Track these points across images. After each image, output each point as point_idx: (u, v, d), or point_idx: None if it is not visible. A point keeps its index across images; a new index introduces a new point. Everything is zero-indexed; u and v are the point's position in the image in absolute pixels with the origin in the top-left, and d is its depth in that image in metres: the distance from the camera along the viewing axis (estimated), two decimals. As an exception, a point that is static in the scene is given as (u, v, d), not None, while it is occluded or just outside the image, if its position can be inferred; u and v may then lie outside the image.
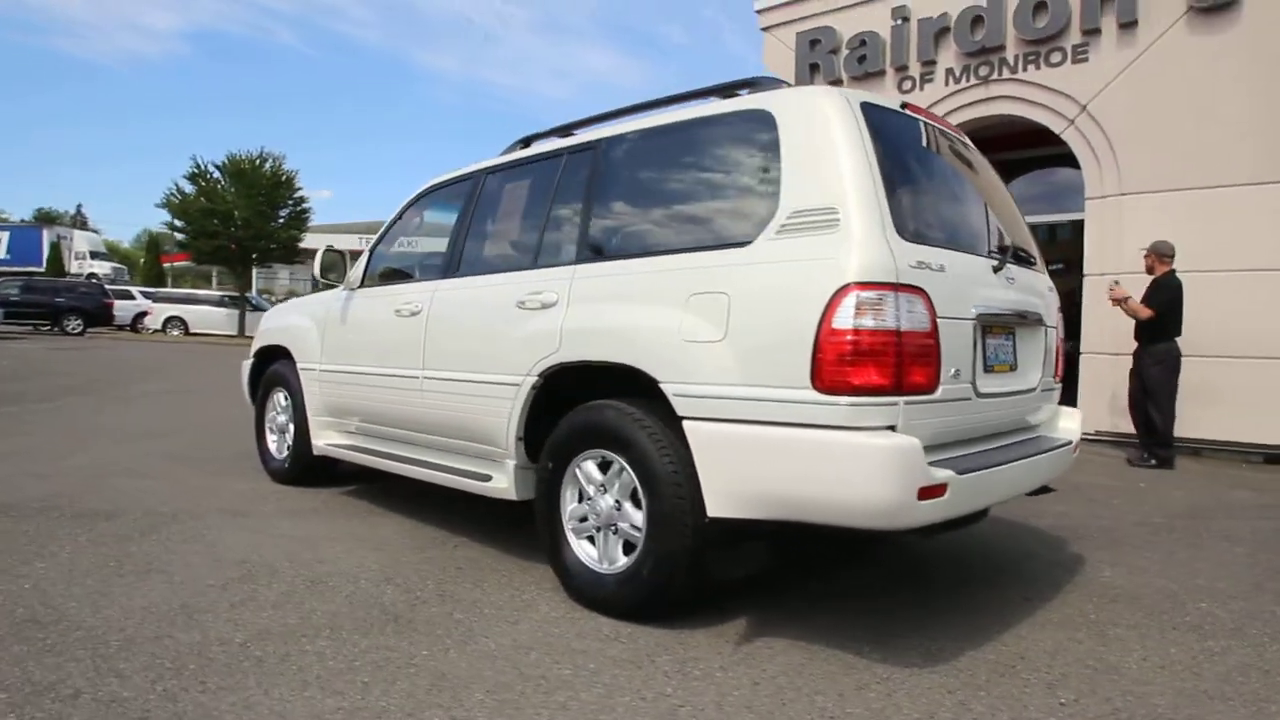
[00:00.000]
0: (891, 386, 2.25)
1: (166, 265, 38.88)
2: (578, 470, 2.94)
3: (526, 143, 3.76)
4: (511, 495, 3.25)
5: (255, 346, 5.15)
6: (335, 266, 4.26)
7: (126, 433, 6.70)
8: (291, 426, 4.78)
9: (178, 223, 25.99)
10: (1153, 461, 6.36)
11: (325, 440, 4.43)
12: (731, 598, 3.01)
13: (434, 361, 3.57)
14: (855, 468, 2.21)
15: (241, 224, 25.28)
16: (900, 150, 2.60)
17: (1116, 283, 6.67)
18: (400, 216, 4.25)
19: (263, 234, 25.87)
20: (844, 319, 2.24)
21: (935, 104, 8.30)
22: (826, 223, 2.35)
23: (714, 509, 2.49)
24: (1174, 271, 6.37)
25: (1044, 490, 3.09)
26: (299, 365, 4.60)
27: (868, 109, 2.57)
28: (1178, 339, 6.36)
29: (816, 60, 9.06)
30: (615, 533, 2.84)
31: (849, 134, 2.45)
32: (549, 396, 3.09)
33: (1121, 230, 7.45)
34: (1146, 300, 6.33)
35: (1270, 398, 6.80)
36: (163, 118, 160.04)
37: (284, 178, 26.63)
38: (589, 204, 3.10)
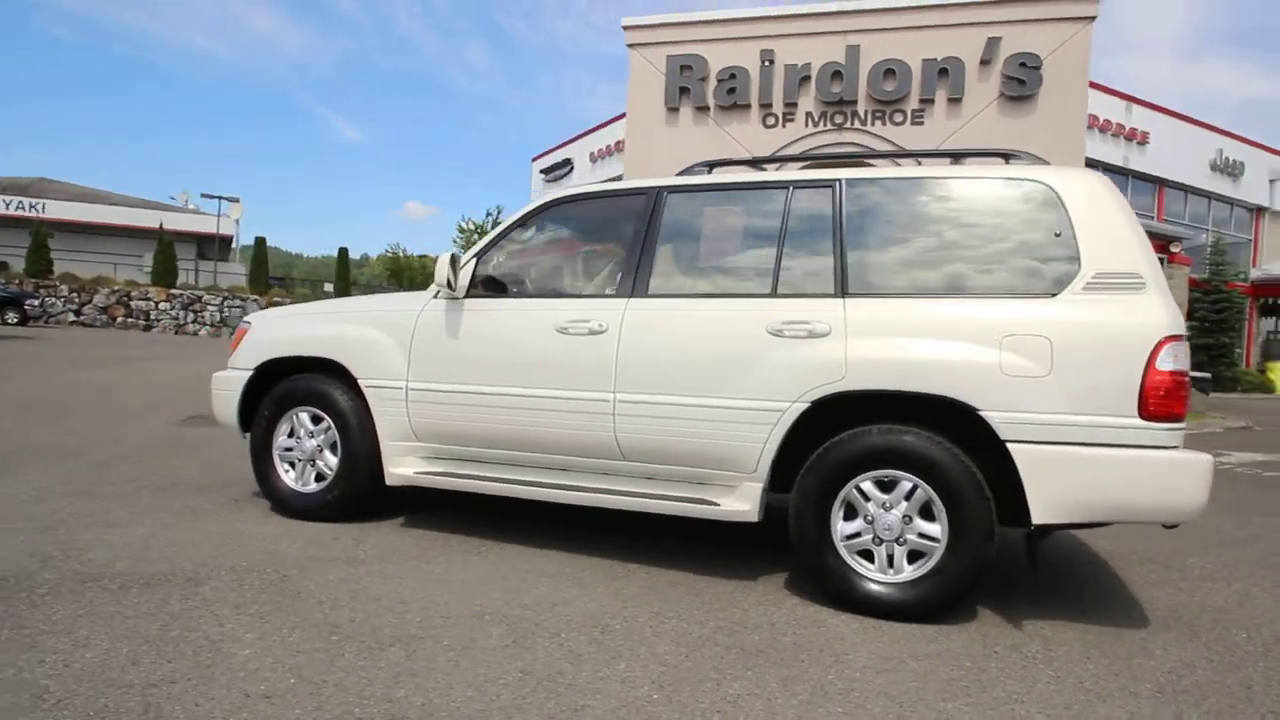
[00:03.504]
0: (1183, 414, 2.91)
1: None
2: (855, 490, 3.16)
3: (710, 168, 3.77)
4: (753, 518, 3.32)
5: (256, 358, 4.25)
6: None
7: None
8: (331, 455, 4.09)
9: None
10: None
11: (412, 469, 3.89)
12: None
13: (636, 384, 3.44)
14: (1185, 478, 2.83)
15: None
16: None
17: None
18: (519, 226, 3.91)
19: None
20: (1165, 363, 2.84)
21: (795, 142, 9.43)
22: (1133, 285, 2.94)
23: (1039, 517, 2.94)
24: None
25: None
26: (365, 382, 3.96)
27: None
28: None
29: (687, 85, 9.68)
30: (901, 544, 3.13)
31: (1127, 212, 3.08)
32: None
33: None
34: None
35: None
36: None
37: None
38: (841, 240, 3.31)
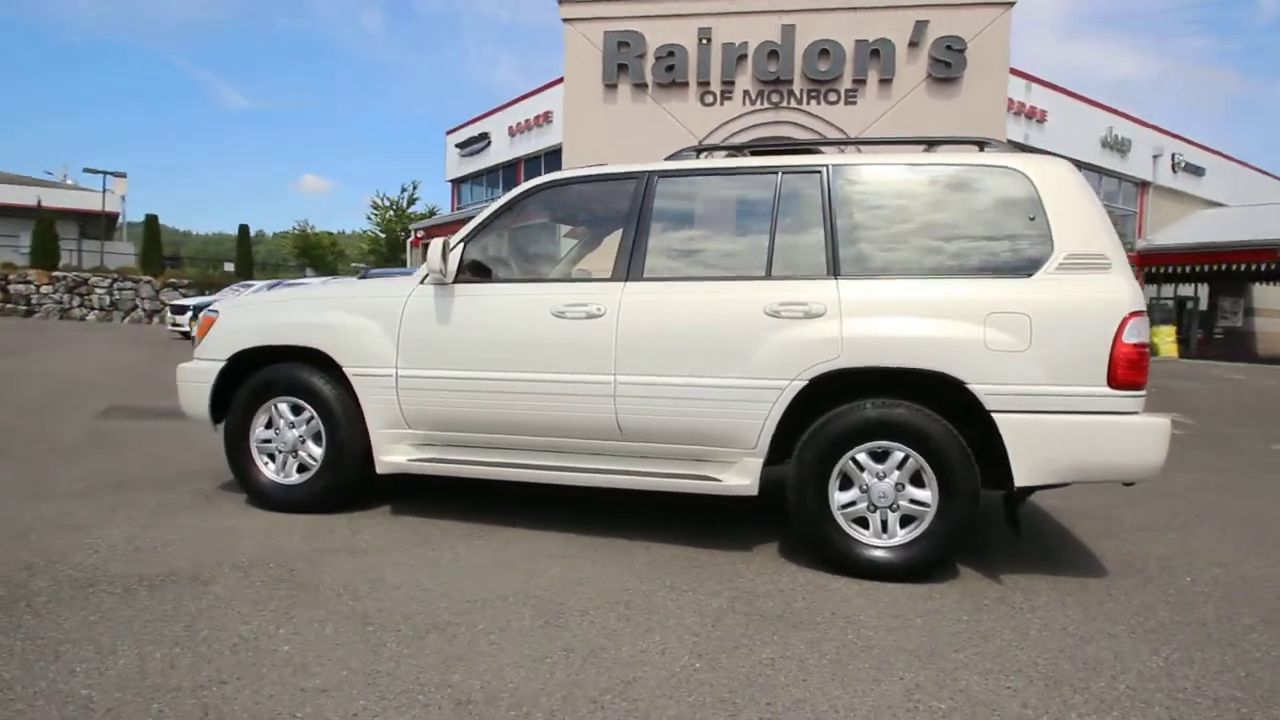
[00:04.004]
0: (1144, 382, 3.22)
1: None
2: (851, 461, 3.36)
3: (699, 153, 3.84)
4: (753, 492, 3.47)
5: (230, 348, 4.10)
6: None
7: None
8: (315, 445, 4.01)
9: None
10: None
11: (405, 456, 3.86)
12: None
13: (637, 366, 3.52)
14: (1148, 441, 3.14)
15: None
16: None
17: None
18: (507, 210, 3.90)
19: None
20: (1130, 336, 3.13)
21: (733, 120, 9.62)
22: (1100, 265, 3.21)
23: (1021, 480, 3.20)
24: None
25: None
26: (352, 370, 3.89)
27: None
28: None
29: (625, 62, 9.65)
30: (894, 510, 3.34)
31: (1092, 197, 3.35)
32: None
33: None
34: None
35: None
36: None
37: None
38: (831, 224, 3.46)
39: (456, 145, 31.54)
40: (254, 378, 4.08)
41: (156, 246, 30.65)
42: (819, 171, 3.56)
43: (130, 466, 5.04)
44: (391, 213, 31.98)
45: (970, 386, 3.21)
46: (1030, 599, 3.19)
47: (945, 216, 3.45)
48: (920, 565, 3.30)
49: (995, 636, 2.80)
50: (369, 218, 32.29)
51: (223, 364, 4.12)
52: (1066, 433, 3.17)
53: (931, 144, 3.79)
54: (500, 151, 28.71)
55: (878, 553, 3.33)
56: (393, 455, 3.89)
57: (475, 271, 3.90)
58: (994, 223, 3.40)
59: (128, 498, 4.24)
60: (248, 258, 33.01)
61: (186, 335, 19.11)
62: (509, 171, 28.58)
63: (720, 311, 3.49)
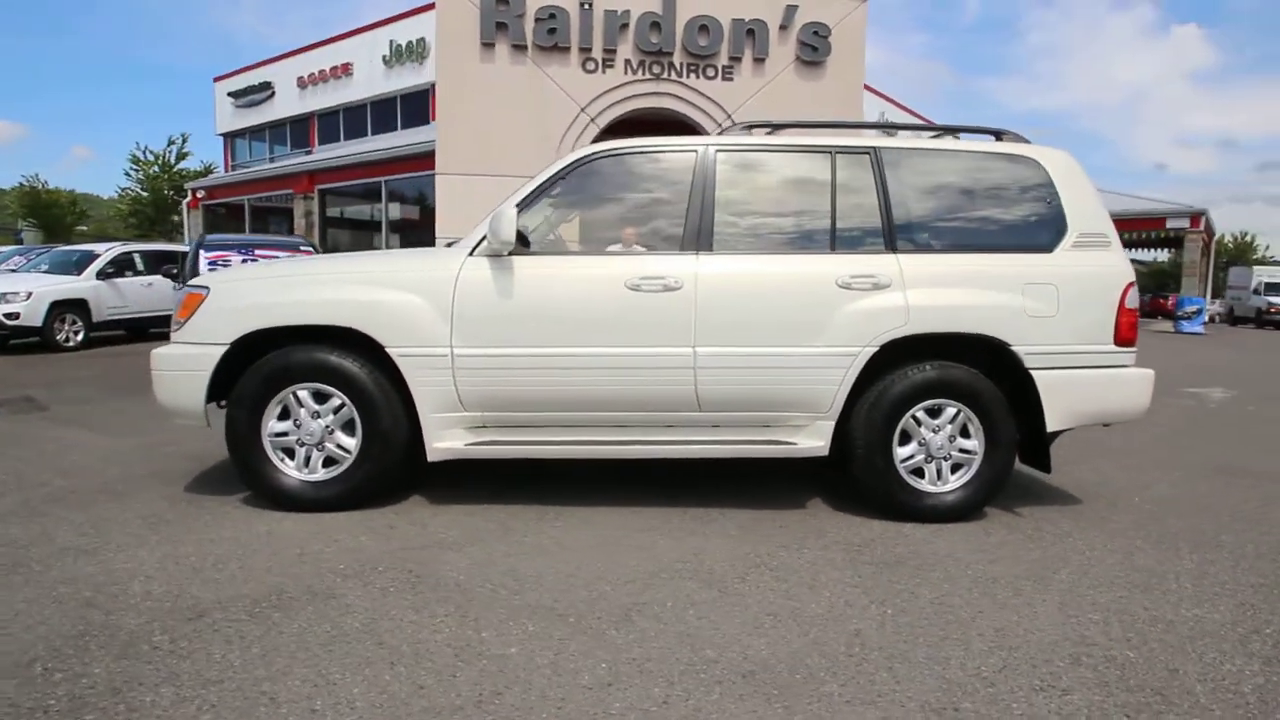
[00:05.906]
0: (1136, 340, 3.90)
1: None
2: (911, 418, 3.72)
3: (749, 129, 3.92)
4: (825, 453, 3.72)
5: (237, 329, 3.54)
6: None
7: None
8: (346, 436, 3.63)
9: None
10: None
11: (461, 441, 3.62)
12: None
13: (718, 338, 3.58)
14: (1141, 387, 3.81)
15: None
16: None
17: None
18: (560, 179, 3.74)
19: None
20: (1130, 301, 3.78)
21: (615, 89, 9.67)
22: (1103, 242, 3.82)
23: (1053, 425, 3.75)
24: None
25: None
26: (398, 351, 3.54)
27: None
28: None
29: (504, 20, 9.27)
30: (946, 460, 3.77)
31: (1091, 182, 3.95)
32: None
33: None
34: None
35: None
36: None
37: None
38: (885, 202, 3.76)
39: (229, 94, 27.98)
40: (263, 363, 3.58)
41: None
42: (868, 153, 3.83)
43: (35, 475, 4.21)
44: (158, 167, 27.64)
45: (1013, 348, 3.70)
46: (1057, 526, 3.77)
47: (980, 197, 3.88)
48: (970, 506, 3.77)
49: (1070, 559, 3.32)
50: (127, 174, 27.68)
51: (225, 348, 3.56)
52: (1085, 384, 3.77)
53: (947, 131, 4.20)
54: (288, 104, 25.96)
55: (940, 499, 3.74)
56: (447, 441, 3.64)
57: (526, 243, 3.73)
58: (1020, 204, 3.89)
59: (93, 512, 3.56)
60: (-59, 218, 27.08)
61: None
62: (299, 126, 25.94)
63: (797, 283, 3.67)
